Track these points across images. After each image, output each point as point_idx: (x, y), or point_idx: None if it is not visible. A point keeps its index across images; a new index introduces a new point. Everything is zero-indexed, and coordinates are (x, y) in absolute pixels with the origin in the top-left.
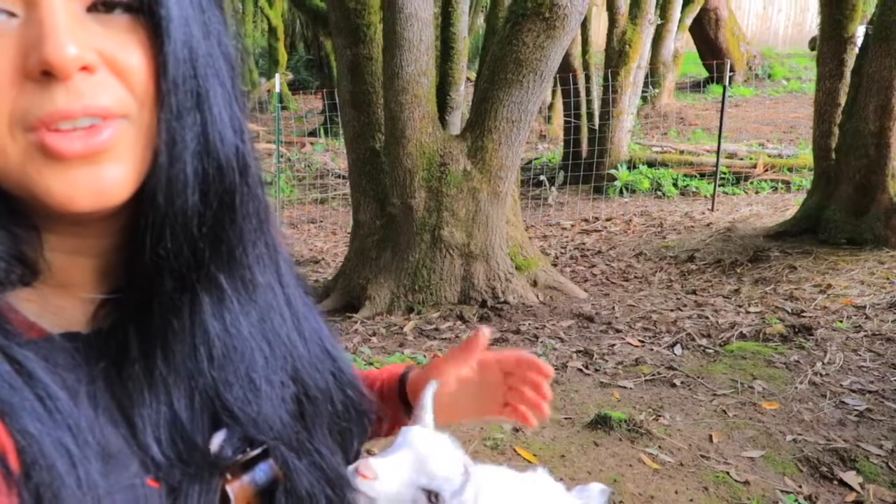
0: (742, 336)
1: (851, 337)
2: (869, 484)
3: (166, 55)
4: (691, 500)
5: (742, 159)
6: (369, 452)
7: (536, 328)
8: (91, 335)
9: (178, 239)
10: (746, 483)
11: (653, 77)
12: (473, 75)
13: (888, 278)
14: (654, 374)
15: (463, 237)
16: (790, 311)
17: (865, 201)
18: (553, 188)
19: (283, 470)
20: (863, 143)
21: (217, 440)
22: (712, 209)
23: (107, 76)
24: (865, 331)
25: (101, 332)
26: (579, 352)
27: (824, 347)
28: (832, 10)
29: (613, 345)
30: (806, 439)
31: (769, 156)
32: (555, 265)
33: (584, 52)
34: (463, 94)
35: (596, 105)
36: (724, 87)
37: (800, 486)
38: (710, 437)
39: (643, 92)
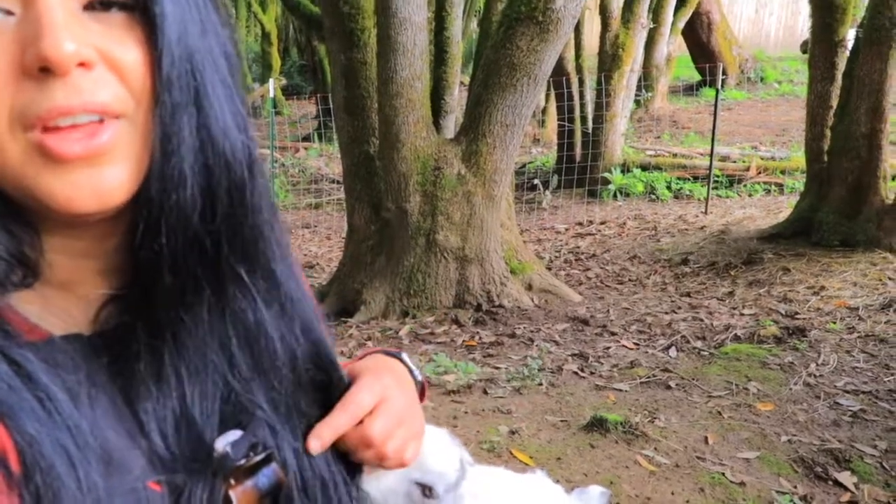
0: (736, 338)
1: (845, 338)
2: (863, 484)
3: (161, 51)
4: (687, 502)
5: (735, 162)
6: None
7: (531, 331)
8: (93, 336)
9: (175, 234)
10: (742, 484)
11: (646, 81)
12: (467, 79)
13: (881, 279)
14: (649, 377)
15: (458, 241)
16: (784, 312)
17: (858, 203)
18: (547, 192)
19: (299, 464)
20: (854, 145)
21: (221, 443)
22: (706, 212)
23: (104, 73)
24: (859, 332)
25: (104, 333)
26: (574, 355)
27: (818, 349)
28: (823, 14)
29: (608, 347)
30: (801, 440)
31: (762, 158)
32: (549, 269)
33: (578, 55)
34: (457, 99)
35: (589, 109)
36: (717, 91)
37: (795, 487)
38: (706, 438)
39: (636, 95)
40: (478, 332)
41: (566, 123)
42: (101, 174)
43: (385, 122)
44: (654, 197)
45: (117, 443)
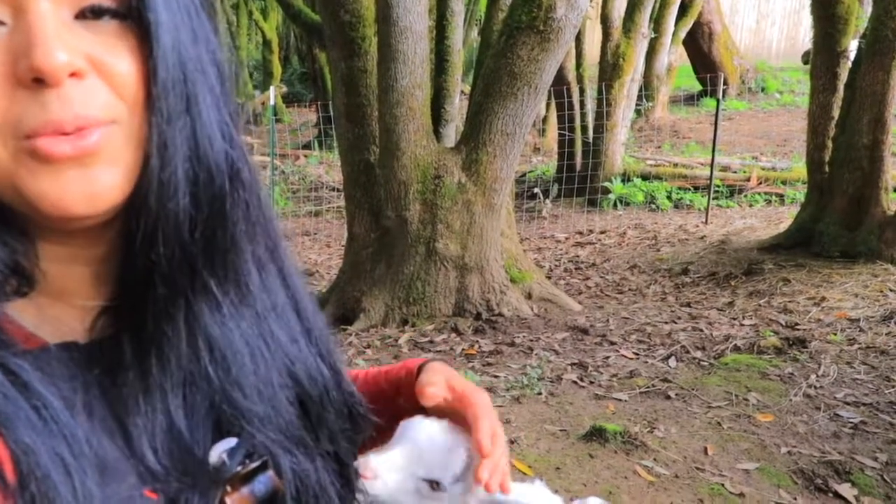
0: (736, 348)
1: (846, 349)
2: (864, 496)
3: (156, 60)
4: None
5: (736, 172)
6: None
7: (531, 340)
8: (88, 345)
9: (170, 243)
10: (741, 495)
11: (647, 90)
12: (468, 88)
13: (882, 291)
14: (648, 387)
15: (457, 249)
16: (784, 323)
17: (859, 214)
18: (547, 201)
19: (293, 473)
20: (856, 156)
21: (217, 451)
22: (706, 222)
23: (96, 82)
24: (859, 343)
25: (98, 342)
26: (574, 364)
27: (818, 360)
28: (825, 25)
29: (608, 357)
30: (801, 451)
31: (763, 169)
32: (549, 278)
33: (579, 65)
34: (457, 107)
35: (590, 118)
36: (718, 101)
37: (795, 499)
38: (705, 449)
39: (637, 105)
40: (477, 341)
41: (566, 132)
42: (92, 175)
43: (385, 130)
44: (654, 206)
45: (112, 452)
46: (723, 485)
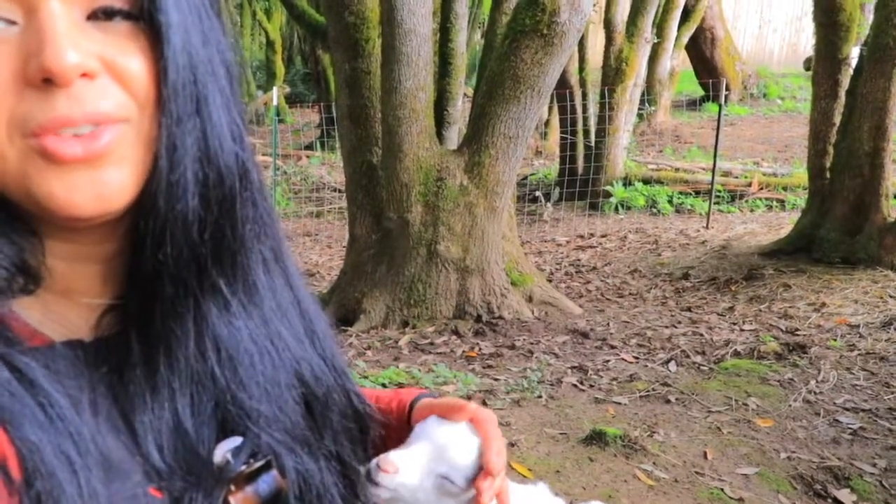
0: (736, 353)
1: (845, 355)
2: (863, 502)
3: (167, 61)
4: None
5: (737, 177)
6: None
7: (531, 343)
8: (94, 343)
9: (178, 243)
10: (741, 500)
11: (649, 95)
12: (471, 91)
13: (882, 297)
14: (648, 391)
15: (459, 252)
16: (784, 329)
17: (859, 221)
18: (548, 204)
19: (296, 473)
20: (857, 162)
21: (222, 450)
22: (707, 227)
23: (107, 82)
24: (859, 349)
25: (104, 340)
26: (574, 367)
27: (818, 366)
28: (827, 32)
29: (608, 361)
30: (800, 457)
31: (764, 174)
32: (550, 281)
33: (581, 69)
34: (460, 110)
35: (592, 122)
36: (720, 106)
37: None
38: (705, 453)
39: (639, 109)
40: (477, 344)
41: (569, 136)
42: (102, 176)
43: (388, 131)
44: (655, 211)
45: (117, 450)
46: (722, 489)
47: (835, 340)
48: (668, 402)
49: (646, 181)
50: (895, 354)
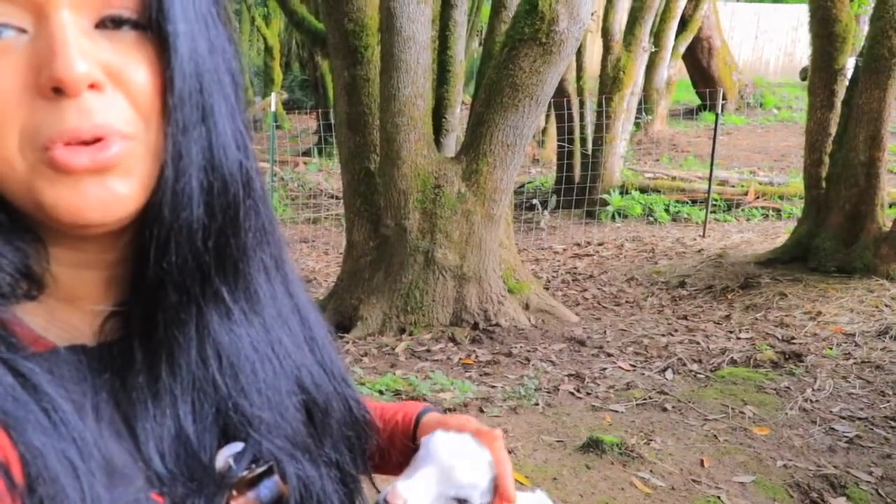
0: (733, 362)
1: (841, 364)
2: None
3: (173, 70)
4: None
5: (733, 186)
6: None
7: (528, 351)
8: (97, 348)
9: (182, 252)
10: None
11: (646, 104)
12: (469, 98)
13: (877, 306)
14: (645, 399)
15: (456, 259)
16: (781, 337)
17: (855, 230)
18: (545, 212)
19: (297, 479)
20: (853, 172)
21: (223, 455)
22: (703, 235)
23: (114, 94)
24: (855, 358)
25: (107, 345)
26: (571, 375)
27: (814, 374)
28: (823, 43)
29: (605, 369)
30: (796, 465)
31: (760, 183)
32: (547, 289)
33: (579, 77)
34: (458, 117)
35: (589, 130)
36: (717, 115)
37: None
38: (702, 461)
39: (636, 118)
40: (474, 351)
41: (566, 144)
42: (108, 185)
43: (386, 138)
44: (652, 219)
45: (120, 455)
46: (719, 497)
47: (831, 349)
48: (664, 410)
49: (642, 190)
50: (890, 363)
